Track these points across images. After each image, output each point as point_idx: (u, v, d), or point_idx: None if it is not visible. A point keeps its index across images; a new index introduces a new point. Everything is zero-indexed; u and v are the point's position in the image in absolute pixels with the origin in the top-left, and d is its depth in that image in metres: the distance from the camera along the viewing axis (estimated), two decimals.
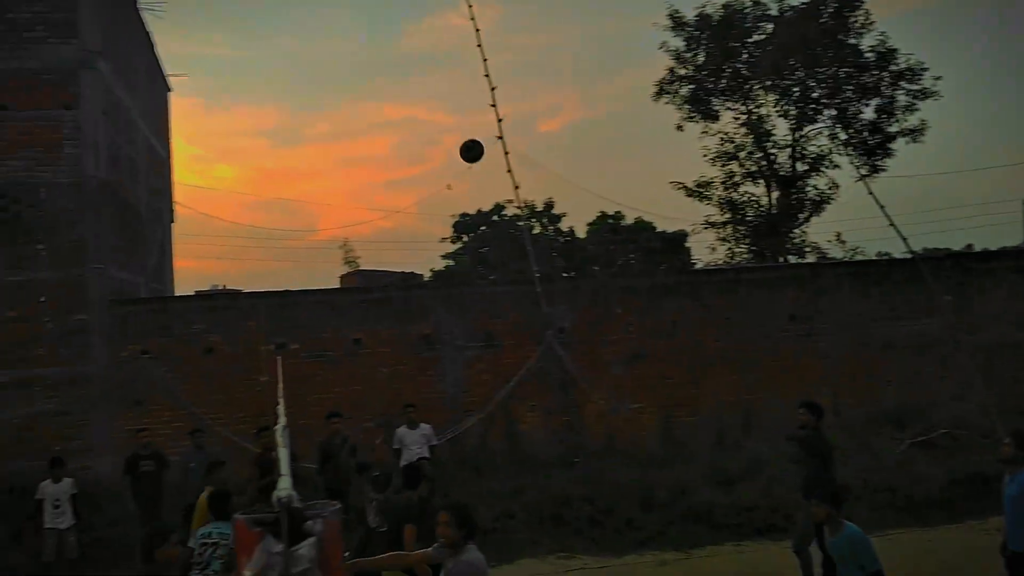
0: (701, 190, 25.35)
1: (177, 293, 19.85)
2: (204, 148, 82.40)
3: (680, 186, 25.59)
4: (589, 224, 36.71)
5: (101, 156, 14.30)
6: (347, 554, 8.74)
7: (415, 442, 12.29)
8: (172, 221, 20.25)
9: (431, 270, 36.11)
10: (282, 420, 4.30)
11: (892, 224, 18.15)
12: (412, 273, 28.04)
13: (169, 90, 22.50)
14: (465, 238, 37.83)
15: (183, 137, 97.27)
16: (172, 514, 11.89)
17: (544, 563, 11.36)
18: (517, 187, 17.09)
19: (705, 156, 25.18)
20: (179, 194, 22.99)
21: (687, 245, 35.28)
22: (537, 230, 34.56)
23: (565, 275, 24.37)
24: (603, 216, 36.25)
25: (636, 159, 75.18)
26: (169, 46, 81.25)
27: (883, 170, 23.54)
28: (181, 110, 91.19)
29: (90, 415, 13.68)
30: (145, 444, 11.82)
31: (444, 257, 38.09)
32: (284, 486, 3.71)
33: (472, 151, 13.45)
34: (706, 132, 25.07)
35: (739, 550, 11.47)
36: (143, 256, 16.99)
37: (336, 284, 27.77)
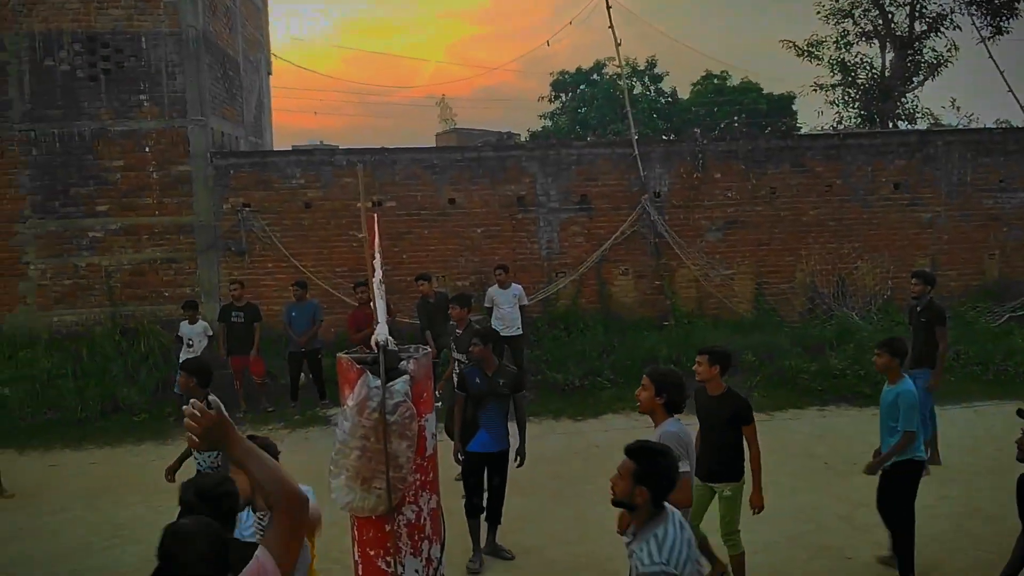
0: (812, 49, 24.23)
1: (275, 147, 20.11)
2: None
3: (790, 45, 24.51)
4: (693, 84, 35.52)
5: (199, 5, 14.29)
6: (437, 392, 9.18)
7: (507, 302, 12.41)
8: (269, 73, 20.28)
9: (528, 130, 35.62)
10: (378, 274, 4.49)
11: (1011, 90, 17.14)
12: (508, 133, 27.69)
13: None
14: (563, 98, 36.98)
15: None
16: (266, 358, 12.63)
17: (629, 419, 11.58)
18: (619, 44, 16.58)
19: (818, 13, 23.87)
20: (275, 45, 22.96)
21: (794, 108, 33.99)
22: (638, 90, 33.57)
23: (664, 137, 23.72)
24: (708, 76, 34.97)
25: (746, 16, 71.56)
26: None
27: (1007, 32, 21.86)
28: None
29: (197, 262, 14.23)
30: (238, 297, 12.33)
31: (541, 117, 37.48)
32: (381, 331, 4.19)
33: None
34: None
35: (822, 414, 11.51)
36: (242, 108, 17.16)
37: (432, 142, 27.72)
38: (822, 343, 13.64)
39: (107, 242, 14.08)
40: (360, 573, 4.28)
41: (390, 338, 4.17)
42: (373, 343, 4.15)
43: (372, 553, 4.17)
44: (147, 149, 14.10)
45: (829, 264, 15.38)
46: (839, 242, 15.43)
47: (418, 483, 4.17)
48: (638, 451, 3.70)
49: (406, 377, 4.10)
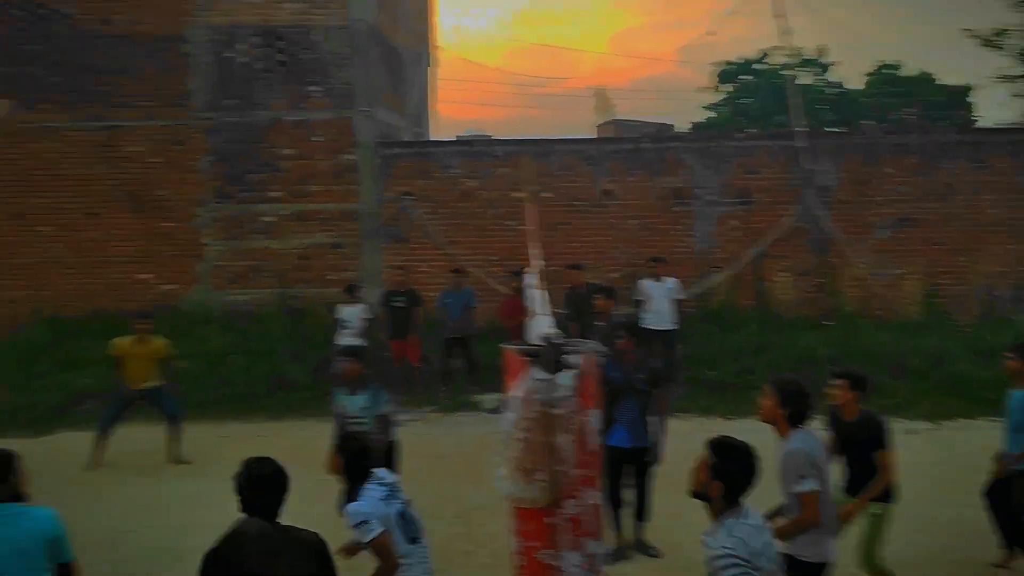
0: (997, 39, 22.68)
1: (437, 137, 20.55)
2: None
3: (973, 34, 23.04)
4: (867, 75, 33.91)
5: None
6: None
7: (660, 295, 12.25)
8: (432, 65, 20.72)
9: (691, 122, 34.92)
10: (538, 263, 4.55)
11: None
12: (666, 124, 27.25)
13: None
14: (728, 88, 35.97)
15: None
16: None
17: None
18: (787, 33, 16.02)
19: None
20: (440, 37, 23.39)
21: (971, 100, 31.91)
22: (805, 80, 32.31)
23: (831, 130, 22.78)
24: (881, 66, 33.30)
25: (923, 3, 67.65)
26: None
27: None
28: None
29: (361, 248, 14.76)
30: (400, 282, 12.75)
31: (705, 108, 36.63)
32: (547, 324, 4.27)
33: None
34: None
35: (993, 425, 10.76)
36: (405, 99, 17.64)
37: (591, 133, 27.65)
38: (998, 349, 12.76)
39: (279, 227, 14.80)
40: (520, 565, 4.34)
41: (557, 331, 4.19)
42: (541, 336, 4.18)
43: (533, 545, 4.23)
44: (316, 138, 14.73)
45: (1008, 266, 14.40)
46: (1020, 243, 14.41)
47: (581, 478, 4.18)
48: (717, 446, 3.73)
49: (572, 371, 4.12)
